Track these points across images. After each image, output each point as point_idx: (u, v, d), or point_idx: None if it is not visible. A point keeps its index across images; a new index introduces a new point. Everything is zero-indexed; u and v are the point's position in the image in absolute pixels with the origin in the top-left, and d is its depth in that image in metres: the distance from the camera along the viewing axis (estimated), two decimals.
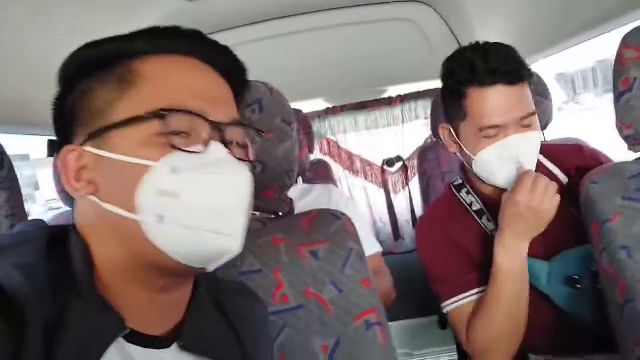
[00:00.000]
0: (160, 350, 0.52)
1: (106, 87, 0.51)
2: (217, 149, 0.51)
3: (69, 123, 0.53)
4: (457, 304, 1.09)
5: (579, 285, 1.00)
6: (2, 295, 0.40)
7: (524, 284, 1.01)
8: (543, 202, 0.94)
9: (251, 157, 0.59)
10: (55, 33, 1.10)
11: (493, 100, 0.96)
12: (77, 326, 0.44)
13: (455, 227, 1.12)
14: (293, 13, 2.05)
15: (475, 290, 1.08)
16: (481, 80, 0.96)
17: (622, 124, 0.90)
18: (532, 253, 1.03)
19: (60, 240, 0.50)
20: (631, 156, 0.96)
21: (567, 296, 1.02)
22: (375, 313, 0.84)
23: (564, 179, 1.07)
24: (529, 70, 0.99)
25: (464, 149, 1.05)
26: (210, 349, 0.56)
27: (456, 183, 1.18)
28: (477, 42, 1.00)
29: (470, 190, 1.14)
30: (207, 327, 0.58)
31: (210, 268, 0.52)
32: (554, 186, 0.96)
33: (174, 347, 0.54)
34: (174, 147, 0.48)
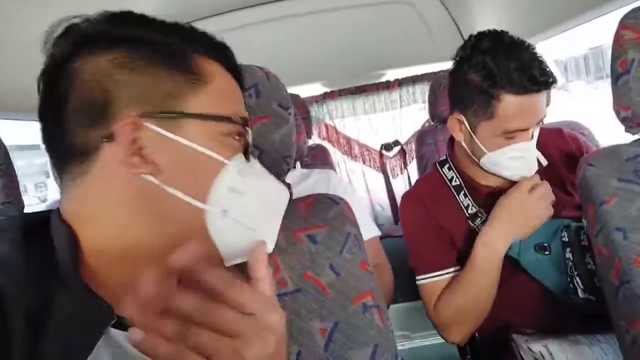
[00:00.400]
0: None
1: (175, 73, 0.52)
2: (254, 159, 0.58)
3: (103, 95, 0.49)
4: (430, 280, 1.14)
5: (547, 252, 1.05)
6: None
7: (494, 278, 1.06)
8: (536, 207, 1.01)
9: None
10: (49, 16, 1.09)
11: (525, 107, 0.99)
12: (63, 317, 0.43)
13: (435, 204, 1.17)
14: None
15: (448, 270, 1.14)
16: (518, 88, 0.97)
17: (620, 106, 0.90)
18: None
19: (38, 228, 0.49)
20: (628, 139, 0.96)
21: (535, 262, 1.07)
22: (372, 295, 0.85)
23: (544, 161, 1.10)
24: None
25: (476, 142, 1.07)
26: None
27: (440, 159, 1.25)
28: (505, 37, 1.01)
29: (452, 166, 1.19)
30: None
31: (232, 263, 0.55)
32: (551, 197, 1.01)
33: None
34: (239, 151, 0.55)
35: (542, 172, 1.08)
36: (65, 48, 0.50)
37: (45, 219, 0.50)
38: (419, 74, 2.59)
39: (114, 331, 0.47)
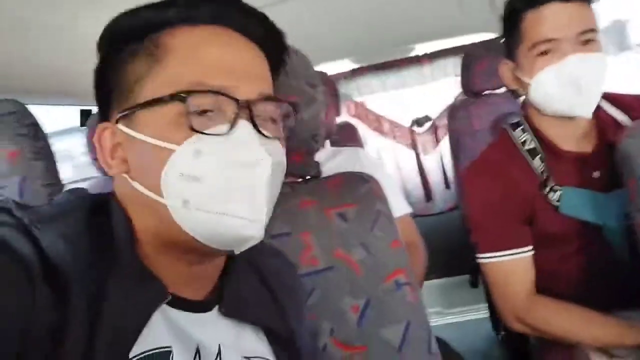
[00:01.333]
0: (202, 314, 0.54)
1: (137, 62, 0.51)
2: (243, 129, 0.49)
3: (107, 96, 0.53)
4: (500, 259, 1.04)
5: (630, 222, 0.94)
6: (47, 265, 0.41)
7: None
8: None
9: (282, 133, 0.57)
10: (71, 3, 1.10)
11: (547, 16, 0.94)
12: (119, 295, 0.45)
13: (507, 172, 1.06)
14: None
15: (523, 249, 1.04)
16: (536, 1, 0.94)
17: None
18: (591, 186, 1.02)
19: (100, 209, 0.51)
20: None
21: (618, 230, 1.00)
22: (404, 273, 0.84)
23: (625, 120, 1.02)
24: None
25: (522, 79, 1.01)
26: (248, 313, 0.58)
27: (512, 121, 1.12)
28: None
29: (527, 127, 1.07)
30: (244, 292, 0.59)
31: (237, 251, 0.52)
32: None
33: (215, 310, 0.56)
34: (195, 130, 0.47)
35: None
36: (101, 50, 0.54)
37: (105, 201, 0.52)
38: (449, 47, 2.52)
39: (168, 308, 0.50)
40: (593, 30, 0.94)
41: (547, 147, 1.04)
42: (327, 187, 0.89)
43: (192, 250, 0.51)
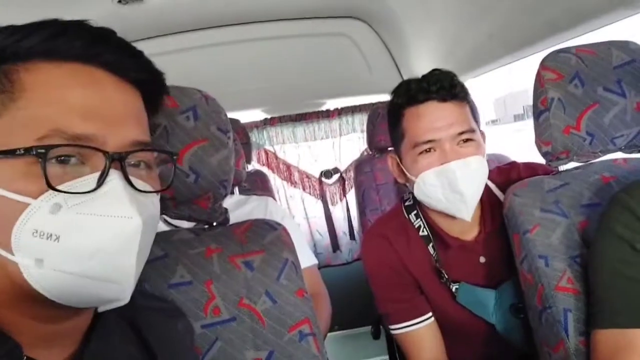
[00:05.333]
0: None
1: None
2: (112, 184, 0.45)
3: None
4: (408, 329, 1.09)
5: (522, 315, 1.01)
6: None
7: None
8: None
9: (157, 180, 0.53)
10: None
11: (425, 116, 0.98)
12: None
13: (403, 249, 1.09)
14: (232, 22, 2.04)
15: (425, 317, 1.09)
16: (414, 98, 0.99)
17: (541, 141, 0.97)
18: (480, 282, 1.06)
19: None
20: None
21: (511, 325, 1.05)
22: (309, 323, 0.84)
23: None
24: (464, 89, 1.01)
25: (408, 175, 1.04)
26: None
27: (407, 203, 1.15)
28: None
29: (420, 214, 1.11)
30: (112, 352, 0.53)
31: (100, 309, 0.48)
32: None
33: None
34: (52, 188, 0.42)
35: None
36: None
37: None
38: (357, 104, 2.67)
39: None
40: (471, 130, 0.98)
41: (437, 235, 1.09)
42: (234, 234, 0.87)
43: (48, 307, 0.45)
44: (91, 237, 0.43)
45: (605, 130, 0.93)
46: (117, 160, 0.45)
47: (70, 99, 0.44)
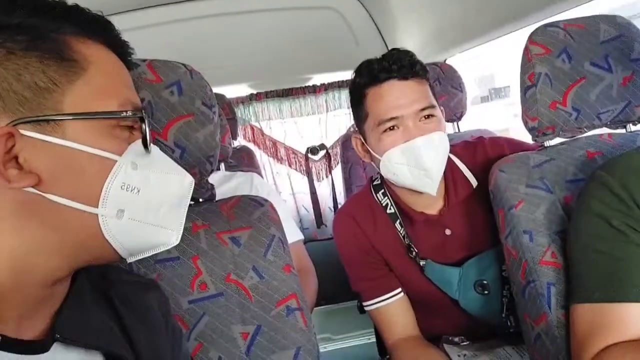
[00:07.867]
0: (38, 355, 0.47)
1: (45, 63, 0.44)
2: (153, 148, 0.53)
3: None
4: (380, 304, 1.12)
5: (486, 292, 1.06)
6: None
7: None
8: None
9: None
10: None
11: (388, 94, 0.99)
12: None
13: (370, 228, 1.13)
14: None
15: (394, 292, 1.12)
16: (377, 78, 1.00)
17: (528, 117, 0.97)
18: (445, 260, 1.09)
19: None
20: None
21: (475, 301, 1.08)
22: (296, 298, 0.84)
23: (474, 182, 1.10)
24: (423, 67, 1.02)
25: (373, 154, 1.06)
26: (92, 340, 0.51)
27: (375, 183, 1.18)
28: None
29: (387, 192, 1.14)
30: (87, 319, 0.53)
31: (135, 259, 0.54)
32: None
33: (55, 347, 0.48)
34: (146, 147, 0.50)
35: (472, 193, 1.08)
36: None
37: None
38: (344, 79, 2.64)
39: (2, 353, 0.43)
40: (432, 106, 1.00)
41: (403, 211, 1.11)
42: (221, 210, 0.87)
43: (92, 260, 0.50)
44: (161, 190, 0.52)
45: (591, 105, 0.94)
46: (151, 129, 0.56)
47: (121, 74, 0.52)
